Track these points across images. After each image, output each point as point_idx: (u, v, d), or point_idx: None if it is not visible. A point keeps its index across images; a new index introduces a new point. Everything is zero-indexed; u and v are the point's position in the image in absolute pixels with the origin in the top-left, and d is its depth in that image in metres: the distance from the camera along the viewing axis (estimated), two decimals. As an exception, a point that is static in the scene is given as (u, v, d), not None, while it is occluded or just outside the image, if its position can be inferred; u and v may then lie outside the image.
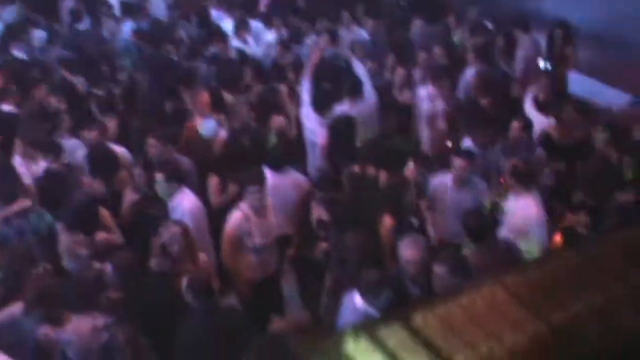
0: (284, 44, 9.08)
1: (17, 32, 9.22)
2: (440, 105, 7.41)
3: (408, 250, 4.69)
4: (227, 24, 9.99)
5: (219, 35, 9.22)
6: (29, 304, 4.36)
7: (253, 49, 9.50)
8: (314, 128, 6.94)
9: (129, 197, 5.94)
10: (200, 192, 6.09)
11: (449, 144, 6.35)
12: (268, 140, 6.76)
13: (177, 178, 5.73)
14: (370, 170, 6.02)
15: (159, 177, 5.66)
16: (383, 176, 5.93)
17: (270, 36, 9.74)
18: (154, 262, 5.09)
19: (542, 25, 8.89)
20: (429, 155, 7.06)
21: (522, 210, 5.41)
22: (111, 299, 4.76)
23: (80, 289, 4.67)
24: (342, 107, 7.17)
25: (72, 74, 7.97)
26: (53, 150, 6.07)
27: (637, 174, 5.79)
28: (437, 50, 8.46)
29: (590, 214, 5.29)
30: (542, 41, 8.73)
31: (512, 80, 8.27)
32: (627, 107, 7.53)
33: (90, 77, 8.12)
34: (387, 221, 5.41)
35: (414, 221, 5.58)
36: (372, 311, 4.28)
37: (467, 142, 6.51)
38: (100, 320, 4.28)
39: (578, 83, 8.41)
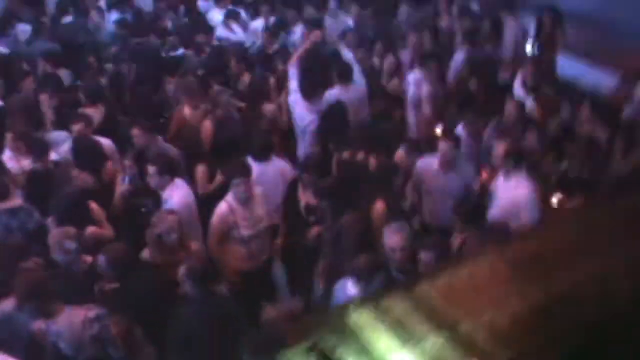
0: (271, 32, 9.03)
1: (1, 26, 9.14)
2: (426, 89, 7.40)
3: (392, 238, 4.62)
4: (216, 14, 9.94)
5: (205, 25, 9.15)
6: (21, 298, 4.33)
7: (240, 36, 9.46)
8: (303, 115, 6.91)
9: (120, 188, 5.91)
10: (189, 180, 6.08)
11: (439, 128, 6.36)
12: (253, 128, 6.73)
13: (170, 170, 5.70)
14: (360, 156, 6.01)
15: (152, 170, 5.63)
16: (373, 161, 5.92)
17: (257, 23, 9.70)
18: (148, 253, 5.08)
19: (531, 9, 8.86)
20: (416, 140, 7.06)
21: (513, 190, 5.41)
22: (104, 291, 4.75)
23: (71, 281, 4.66)
24: (333, 92, 7.16)
25: (57, 66, 7.90)
26: (38, 148, 5.99)
27: (626, 154, 5.80)
28: (424, 35, 8.43)
29: (582, 190, 5.27)
30: (531, 25, 8.71)
31: (500, 64, 8.27)
32: (615, 87, 7.53)
33: (76, 69, 8.07)
34: (379, 206, 5.37)
35: (404, 205, 5.58)
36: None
37: (458, 126, 6.51)
38: (92, 311, 4.27)
39: (567, 65, 8.41)
